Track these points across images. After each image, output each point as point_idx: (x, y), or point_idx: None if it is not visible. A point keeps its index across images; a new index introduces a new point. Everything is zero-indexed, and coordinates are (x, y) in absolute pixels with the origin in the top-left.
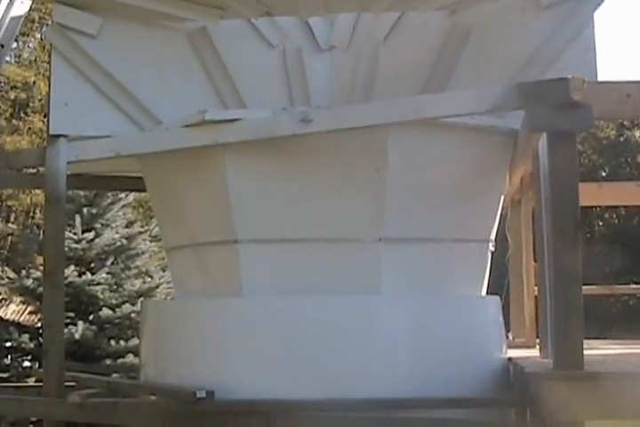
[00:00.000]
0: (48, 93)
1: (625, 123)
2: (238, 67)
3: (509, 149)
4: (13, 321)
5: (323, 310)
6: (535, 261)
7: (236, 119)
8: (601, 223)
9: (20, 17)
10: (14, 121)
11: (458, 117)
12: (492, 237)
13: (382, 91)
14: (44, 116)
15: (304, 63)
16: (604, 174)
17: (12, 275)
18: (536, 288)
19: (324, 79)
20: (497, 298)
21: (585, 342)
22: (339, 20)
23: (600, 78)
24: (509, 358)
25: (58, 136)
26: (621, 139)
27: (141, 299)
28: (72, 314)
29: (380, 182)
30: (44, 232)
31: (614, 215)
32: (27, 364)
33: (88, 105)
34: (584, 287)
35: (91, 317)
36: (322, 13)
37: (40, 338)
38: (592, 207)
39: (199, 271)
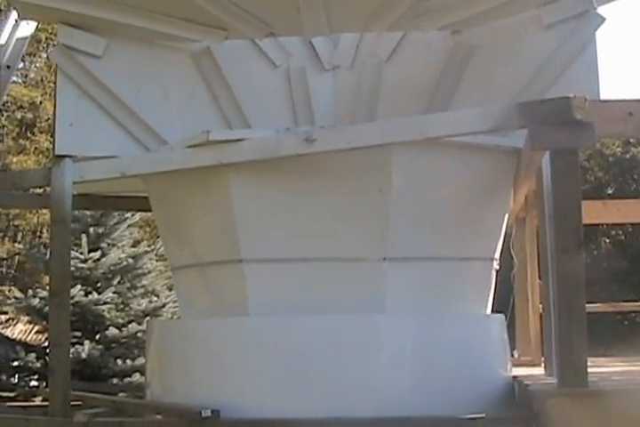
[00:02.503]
0: (54, 113)
1: (631, 140)
2: (242, 87)
3: (513, 168)
4: (20, 341)
5: (327, 328)
6: (540, 278)
7: (240, 139)
8: (607, 240)
9: (26, 38)
10: (21, 141)
11: (461, 137)
12: (497, 255)
13: (385, 110)
14: (51, 136)
15: (308, 83)
16: (610, 192)
17: (18, 294)
18: (541, 306)
19: (328, 98)
20: (502, 316)
21: (590, 359)
22: (342, 40)
23: (603, 96)
24: (514, 377)
25: (63, 156)
26: (627, 156)
27: (148, 318)
28: (79, 333)
29: (383, 202)
30: (50, 252)
31: (621, 232)
32: (34, 383)
33: (93, 125)
34: (589, 305)
35: (97, 336)
36: (325, 33)
37: (47, 357)
38: (598, 225)
39: (204, 290)
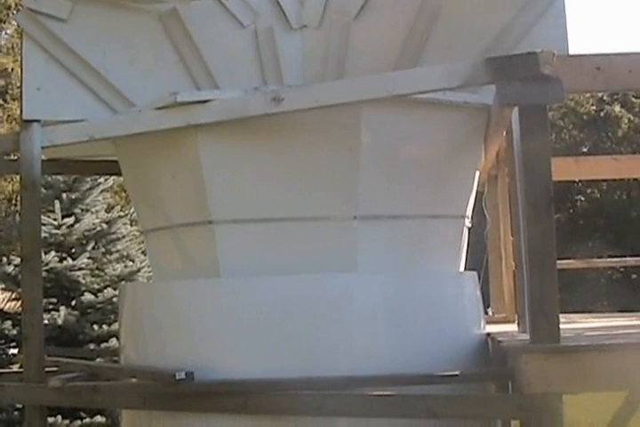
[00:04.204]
0: (21, 78)
1: (605, 98)
2: (210, 47)
3: (483, 125)
4: None
5: (299, 288)
6: (513, 236)
7: (208, 100)
8: (583, 198)
9: None
10: None
11: (430, 94)
12: (469, 212)
13: (354, 69)
14: None
15: (276, 42)
16: (585, 150)
17: None
18: (514, 263)
19: (296, 58)
20: (474, 273)
21: (565, 315)
22: None
23: (572, 51)
24: (488, 334)
25: (31, 121)
26: (602, 114)
27: (123, 283)
28: (54, 300)
29: (353, 160)
30: (20, 217)
31: (596, 190)
32: (12, 351)
33: (61, 89)
34: (562, 262)
35: (73, 302)
36: None
37: None
38: (573, 182)
39: (176, 253)
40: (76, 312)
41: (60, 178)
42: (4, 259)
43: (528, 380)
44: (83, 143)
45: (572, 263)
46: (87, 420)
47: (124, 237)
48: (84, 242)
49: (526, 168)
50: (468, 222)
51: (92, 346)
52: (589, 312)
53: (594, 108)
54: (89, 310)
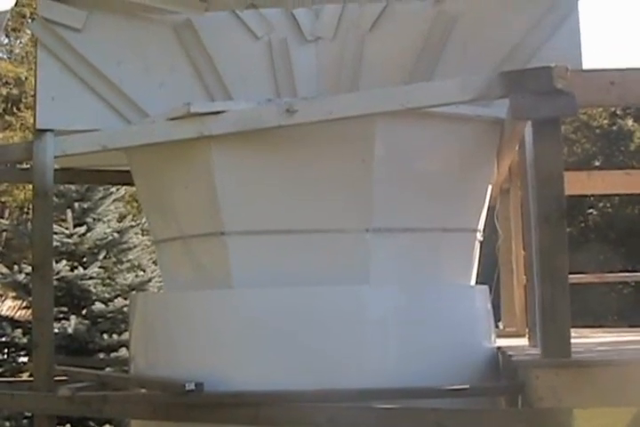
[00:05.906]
0: (35, 87)
1: (617, 112)
2: (224, 59)
3: (496, 138)
4: (7, 317)
5: (311, 300)
6: (524, 250)
7: (222, 111)
8: (595, 212)
9: (6, 11)
10: (7, 117)
11: (444, 107)
12: (481, 226)
13: (368, 81)
14: None
15: (290, 54)
16: (597, 163)
17: (5, 270)
18: (525, 277)
19: (311, 70)
20: (485, 287)
21: (576, 330)
22: (324, 11)
23: (586, 65)
24: (499, 347)
25: (45, 130)
26: (614, 127)
27: (133, 293)
28: (65, 308)
29: (366, 173)
30: (32, 225)
31: (608, 204)
32: (22, 359)
33: (74, 99)
34: (574, 276)
35: (83, 311)
36: (307, 4)
37: None
38: (585, 196)
39: (188, 264)
40: (86, 321)
41: (73, 187)
42: (16, 267)
43: (539, 394)
44: (95, 153)
45: (583, 277)
46: None
47: (135, 246)
48: (96, 251)
49: (539, 181)
50: (479, 236)
51: (101, 355)
52: (599, 326)
53: (606, 122)
54: (99, 320)
